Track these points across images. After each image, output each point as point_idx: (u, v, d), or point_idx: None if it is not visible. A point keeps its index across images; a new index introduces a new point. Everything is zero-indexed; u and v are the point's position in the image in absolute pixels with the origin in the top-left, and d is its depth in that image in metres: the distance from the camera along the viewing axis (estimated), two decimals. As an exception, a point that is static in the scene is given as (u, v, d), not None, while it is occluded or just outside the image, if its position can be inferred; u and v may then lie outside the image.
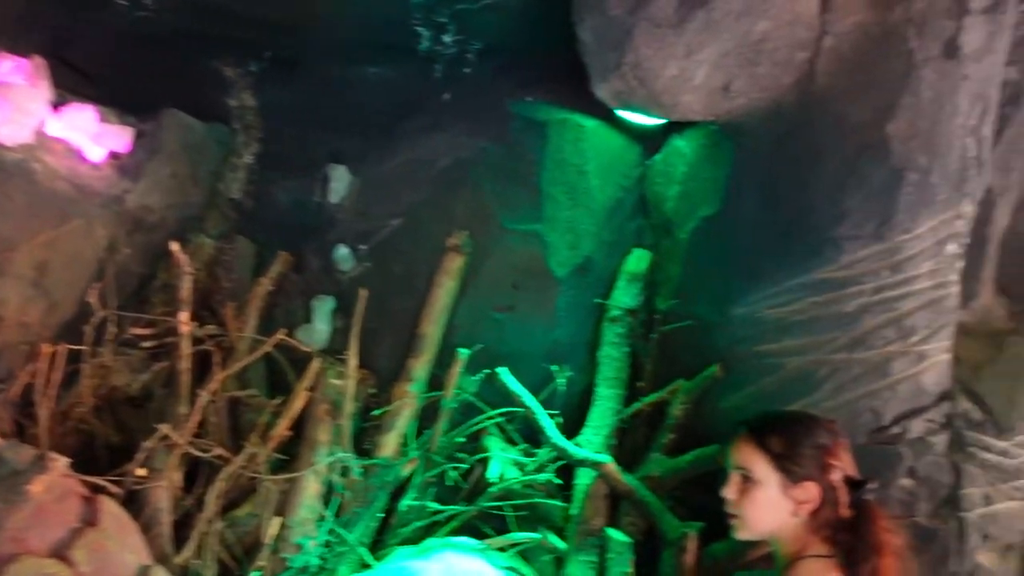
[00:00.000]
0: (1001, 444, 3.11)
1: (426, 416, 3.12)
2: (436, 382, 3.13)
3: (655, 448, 3.05)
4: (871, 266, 2.86)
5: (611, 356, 3.10)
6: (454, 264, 3.15)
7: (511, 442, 3.17)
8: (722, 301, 2.97)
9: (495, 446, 3.08)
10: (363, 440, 3.06)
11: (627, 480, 2.92)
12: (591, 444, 2.98)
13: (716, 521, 2.91)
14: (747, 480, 1.79)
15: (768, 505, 1.75)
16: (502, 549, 2.93)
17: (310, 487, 2.84)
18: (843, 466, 1.75)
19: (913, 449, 2.96)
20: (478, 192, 3.25)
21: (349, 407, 2.94)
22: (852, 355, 2.90)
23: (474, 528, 3.05)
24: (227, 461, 2.80)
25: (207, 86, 3.50)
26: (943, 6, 2.75)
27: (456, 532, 3.06)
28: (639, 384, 3.12)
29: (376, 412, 3.05)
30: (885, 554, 1.65)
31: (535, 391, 3.10)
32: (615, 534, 2.85)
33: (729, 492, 1.83)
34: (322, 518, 2.83)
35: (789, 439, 1.75)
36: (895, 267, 2.87)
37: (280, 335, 2.97)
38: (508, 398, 3.01)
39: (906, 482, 2.95)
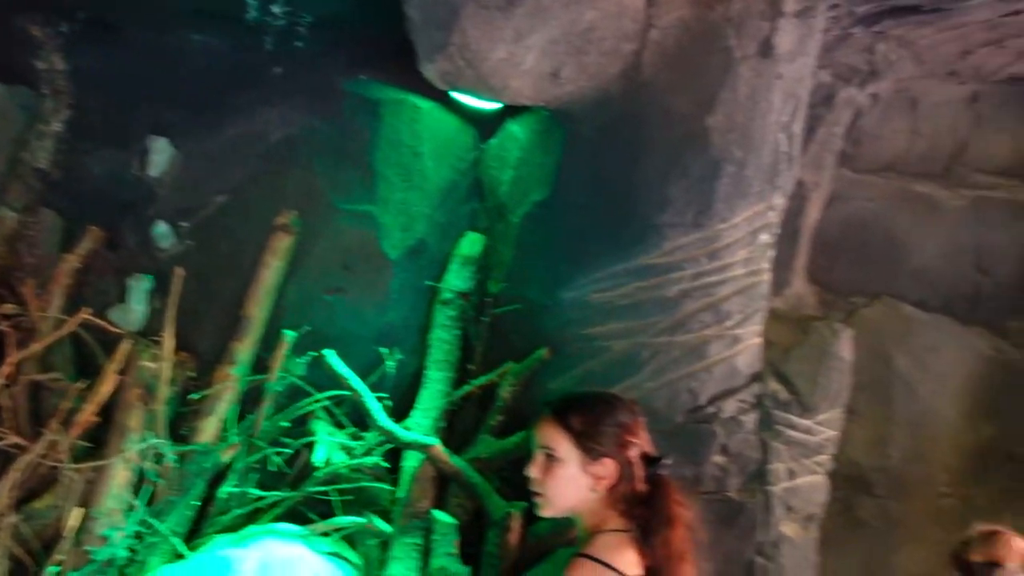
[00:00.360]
0: (805, 422, 3.33)
1: (250, 400, 3.01)
2: (262, 365, 3.02)
3: (484, 430, 3.08)
4: (691, 253, 2.98)
5: (442, 339, 3.09)
6: (282, 244, 3.05)
7: (339, 426, 3.11)
8: (552, 285, 3.02)
9: (322, 430, 3.01)
10: (181, 425, 2.92)
11: (454, 462, 2.92)
12: (420, 427, 2.96)
13: (542, 501, 2.99)
14: (550, 458, 1.82)
15: (569, 482, 1.79)
16: (326, 534, 2.87)
17: (118, 476, 2.68)
18: (640, 443, 1.81)
19: (726, 427, 3.12)
20: (308, 170, 3.17)
21: (164, 391, 2.80)
22: (673, 338, 3.02)
23: (299, 514, 2.98)
24: (24, 449, 2.61)
25: (10, 46, 3.23)
26: (759, 8, 2.89)
27: (280, 519, 2.98)
28: (470, 367, 3.13)
29: (194, 396, 2.92)
30: (676, 526, 1.72)
31: (366, 374, 3.06)
32: (441, 516, 2.85)
33: (533, 471, 1.85)
34: (132, 508, 2.68)
35: (590, 418, 1.80)
36: (712, 254, 3.01)
37: (85, 314, 2.78)
38: (336, 381, 2.95)
39: (719, 459, 3.11)
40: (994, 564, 1.60)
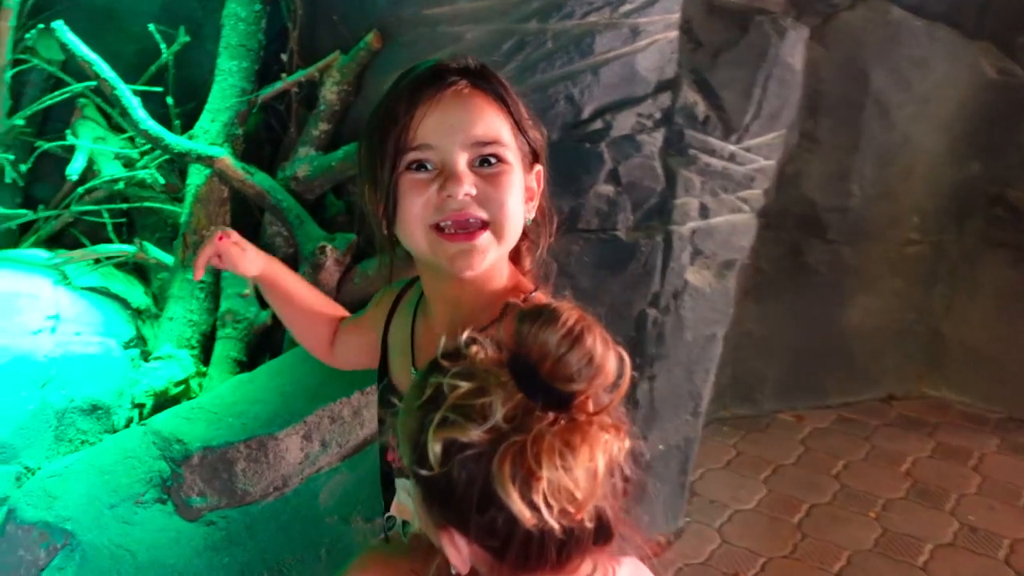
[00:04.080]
0: (729, 147, 2.62)
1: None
2: (-3, 44, 2.28)
3: (303, 141, 2.38)
4: None
5: (237, 16, 2.31)
6: None
7: (119, 130, 2.42)
8: (382, -56, 2.19)
9: (86, 133, 2.33)
10: None
11: (258, 180, 2.27)
12: (207, 133, 2.27)
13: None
14: (492, 161, 1.10)
15: (520, 198, 1.10)
16: (97, 261, 2.29)
17: None
18: None
19: (617, 149, 2.42)
20: None
21: None
22: (546, 24, 2.24)
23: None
24: None
25: None
26: None
27: (47, 243, 2.39)
28: (283, 56, 2.36)
29: None
30: None
31: (142, 65, 2.33)
32: (232, 247, 2.24)
33: (466, 184, 1.07)
34: None
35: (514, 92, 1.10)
36: (605, -99, 2.14)
37: None
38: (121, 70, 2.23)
39: (606, 188, 2.44)
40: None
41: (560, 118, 2.32)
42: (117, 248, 2.25)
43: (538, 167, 1.13)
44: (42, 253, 2.24)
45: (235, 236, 1.30)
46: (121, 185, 2.32)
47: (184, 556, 1.59)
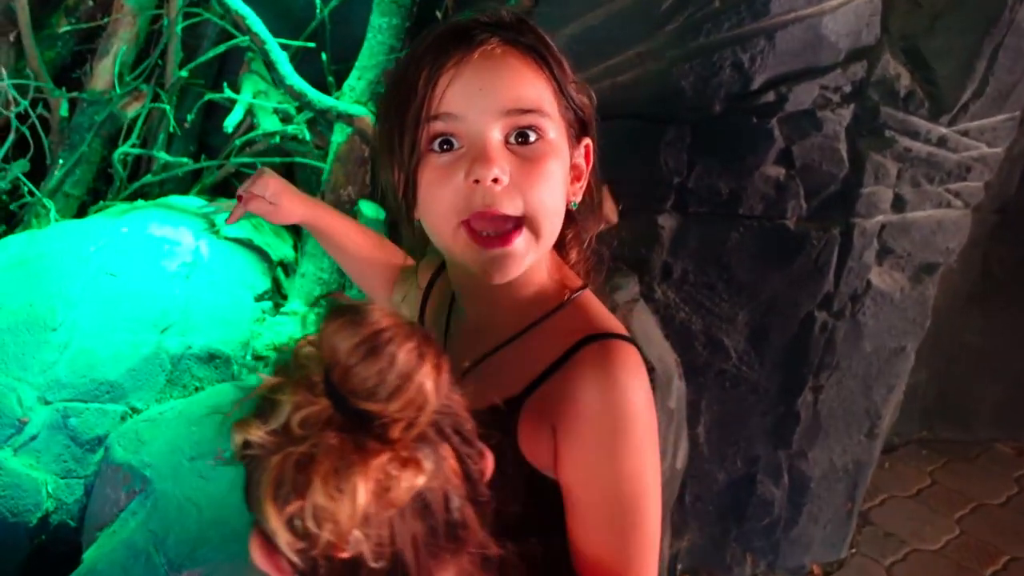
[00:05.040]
0: (939, 130, 2.20)
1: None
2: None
3: (450, 103, 2.29)
4: None
5: (390, -30, 2.24)
6: None
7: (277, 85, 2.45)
8: None
9: (249, 87, 2.37)
10: (75, 67, 2.39)
11: (399, 141, 2.21)
12: (353, 91, 2.23)
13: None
14: (529, 137, 0.94)
15: (562, 184, 0.98)
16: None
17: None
18: None
19: (793, 126, 2.10)
20: None
21: (24, 17, 2.22)
22: (713, -20, 1.96)
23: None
24: None
25: None
26: None
27: (211, 192, 2.49)
28: (437, 13, 2.28)
29: (67, 28, 2.32)
30: None
31: (308, 18, 2.34)
32: (367, 207, 2.21)
33: (495, 167, 0.96)
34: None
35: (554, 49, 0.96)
36: None
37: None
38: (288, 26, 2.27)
39: (775, 171, 2.13)
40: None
41: (724, 88, 2.03)
42: (260, 201, 2.29)
43: (587, 140, 0.94)
44: (198, 201, 2.32)
45: (268, 187, 1.24)
46: (277, 139, 2.35)
47: (247, 519, 1.57)
